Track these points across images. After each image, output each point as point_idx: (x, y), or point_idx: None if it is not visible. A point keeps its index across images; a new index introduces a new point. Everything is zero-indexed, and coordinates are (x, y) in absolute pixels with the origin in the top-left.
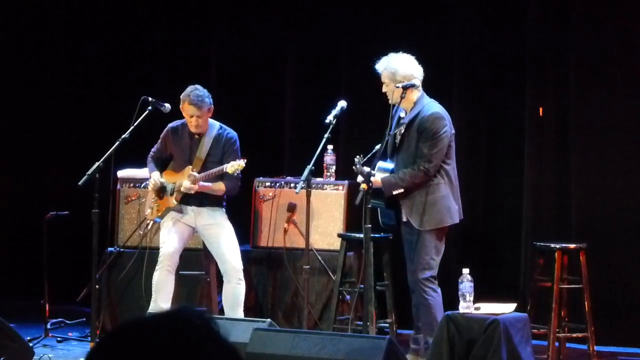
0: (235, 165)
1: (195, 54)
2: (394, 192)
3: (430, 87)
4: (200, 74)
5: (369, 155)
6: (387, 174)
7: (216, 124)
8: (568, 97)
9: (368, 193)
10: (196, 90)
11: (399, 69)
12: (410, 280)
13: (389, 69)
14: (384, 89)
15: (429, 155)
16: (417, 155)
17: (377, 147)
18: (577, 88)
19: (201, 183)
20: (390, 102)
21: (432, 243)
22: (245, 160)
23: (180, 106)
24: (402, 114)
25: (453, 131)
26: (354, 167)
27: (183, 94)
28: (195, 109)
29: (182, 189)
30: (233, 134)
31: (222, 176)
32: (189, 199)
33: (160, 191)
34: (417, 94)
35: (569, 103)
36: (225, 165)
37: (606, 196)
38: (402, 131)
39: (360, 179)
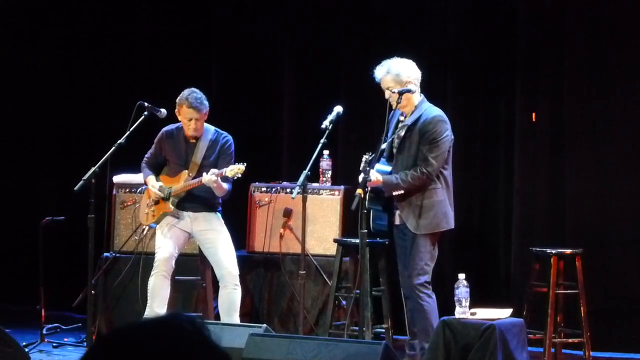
0: (234, 169)
1: (194, 59)
2: (394, 193)
3: (425, 92)
4: (199, 79)
5: (373, 155)
6: (385, 175)
7: (211, 128)
8: (561, 102)
9: (363, 199)
10: (194, 93)
11: (402, 71)
12: (404, 285)
13: (392, 73)
14: (387, 95)
15: (430, 158)
16: (417, 158)
17: (383, 146)
18: (570, 92)
19: (219, 180)
20: (393, 107)
21: (426, 248)
22: (245, 164)
23: (177, 110)
24: (402, 118)
25: (453, 137)
26: (362, 163)
27: (179, 97)
28: (195, 111)
29: (203, 180)
30: (229, 137)
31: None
32: (184, 204)
33: (161, 193)
34: (417, 97)
35: (562, 107)
36: (225, 169)
37: (601, 201)
38: (402, 134)
39: (362, 177)
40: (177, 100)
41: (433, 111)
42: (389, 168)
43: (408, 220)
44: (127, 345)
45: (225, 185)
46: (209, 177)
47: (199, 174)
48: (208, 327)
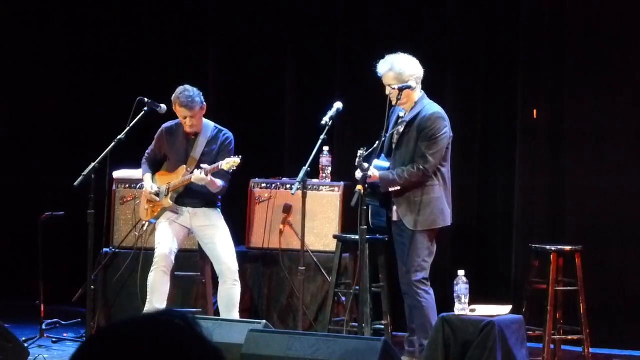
0: (230, 162)
1: (193, 55)
2: (391, 189)
3: (424, 88)
4: (198, 75)
5: (370, 150)
6: (383, 171)
7: (211, 124)
8: (562, 99)
9: (364, 194)
10: (185, 91)
11: (406, 68)
12: (402, 282)
13: (395, 70)
14: (388, 91)
15: (428, 154)
16: (415, 154)
17: (377, 143)
18: (571, 89)
19: (209, 176)
20: (393, 103)
21: (424, 245)
22: (240, 157)
23: (173, 108)
24: (402, 114)
25: (452, 134)
26: (357, 158)
27: (173, 95)
28: (187, 110)
29: (193, 179)
30: (229, 134)
31: (216, 173)
32: (184, 199)
33: (155, 194)
34: (418, 94)
35: (564, 105)
36: (220, 163)
37: (601, 198)
38: (401, 130)
39: (359, 174)
40: (172, 98)
41: (432, 108)
42: (387, 164)
43: (405, 217)
44: (118, 342)
45: (219, 182)
46: (199, 175)
47: (197, 169)
48: (200, 322)
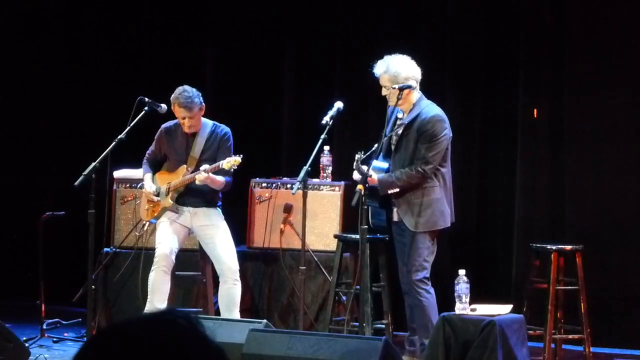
0: (231, 161)
1: (192, 54)
2: (389, 192)
3: (423, 88)
4: (197, 74)
5: (369, 153)
6: (381, 174)
7: (209, 122)
8: (562, 98)
9: (364, 194)
10: (184, 92)
11: (401, 70)
12: (403, 281)
13: (390, 72)
14: (384, 92)
15: (428, 157)
16: (414, 156)
17: (376, 145)
18: (571, 89)
19: (211, 175)
20: (390, 104)
21: (425, 244)
22: (241, 156)
23: (172, 108)
24: (400, 115)
25: (451, 134)
26: (354, 162)
27: (172, 96)
28: (186, 110)
29: (197, 181)
30: (227, 130)
31: (217, 172)
32: (184, 199)
33: (155, 194)
34: (416, 95)
35: (564, 104)
36: (221, 162)
37: (601, 197)
38: (400, 132)
39: (356, 176)
40: (171, 99)
41: (432, 110)
42: (386, 165)
43: (406, 218)
44: (121, 341)
45: (222, 179)
46: (201, 176)
47: (197, 168)
48: (202, 322)
